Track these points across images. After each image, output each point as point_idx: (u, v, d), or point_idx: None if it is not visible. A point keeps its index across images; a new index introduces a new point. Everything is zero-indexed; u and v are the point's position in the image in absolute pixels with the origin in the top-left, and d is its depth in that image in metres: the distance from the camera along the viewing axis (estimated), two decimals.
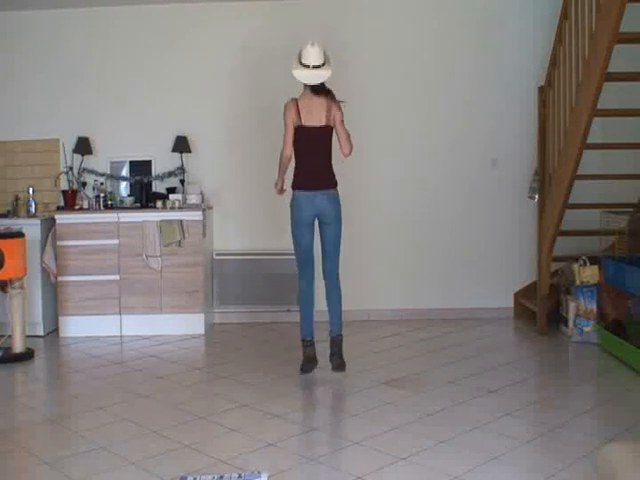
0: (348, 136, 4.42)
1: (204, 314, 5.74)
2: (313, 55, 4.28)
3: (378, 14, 6.07)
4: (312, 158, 4.38)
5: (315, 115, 4.31)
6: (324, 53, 4.33)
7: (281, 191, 4.57)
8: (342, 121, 4.37)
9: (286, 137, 4.35)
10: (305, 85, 4.38)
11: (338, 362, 4.34)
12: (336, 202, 4.40)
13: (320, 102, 4.32)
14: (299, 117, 4.31)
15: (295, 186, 4.39)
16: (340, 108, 4.36)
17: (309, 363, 4.44)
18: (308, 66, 4.29)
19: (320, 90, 4.35)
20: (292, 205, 4.42)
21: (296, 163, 4.43)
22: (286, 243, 6.07)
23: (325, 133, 4.36)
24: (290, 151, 4.37)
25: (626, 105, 5.20)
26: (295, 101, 4.35)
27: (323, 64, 4.31)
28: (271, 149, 6.08)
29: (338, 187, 4.48)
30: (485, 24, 6.05)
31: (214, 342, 5.57)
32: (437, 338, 5.48)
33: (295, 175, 4.41)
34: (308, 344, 4.46)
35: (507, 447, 3.31)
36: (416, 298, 6.14)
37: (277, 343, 5.42)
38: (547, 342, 5.34)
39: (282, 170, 4.49)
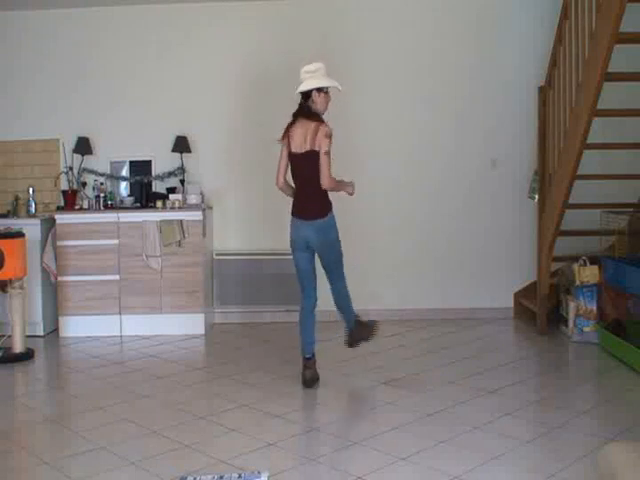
0: (328, 168, 4.15)
1: (204, 314, 5.74)
2: (310, 66, 4.22)
3: (377, 14, 6.07)
4: (301, 185, 4.28)
5: (301, 140, 4.18)
6: (322, 67, 4.24)
7: None
8: (326, 152, 4.13)
9: (279, 165, 4.31)
10: (298, 107, 4.27)
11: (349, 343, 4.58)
12: (322, 231, 4.23)
13: (307, 126, 4.16)
14: (289, 143, 4.22)
15: (291, 209, 4.37)
16: (328, 136, 4.13)
17: (304, 383, 4.29)
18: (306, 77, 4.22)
19: (305, 113, 4.21)
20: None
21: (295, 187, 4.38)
22: (286, 243, 6.08)
23: (309, 159, 4.17)
24: (281, 181, 4.32)
25: (626, 105, 5.20)
26: (287, 127, 4.25)
27: (319, 74, 4.21)
28: (271, 149, 6.11)
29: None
30: (485, 24, 6.05)
31: (214, 342, 5.57)
32: (437, 338, 5.49)
33: (293, 198, 4.39)
34: (306, 364, 4.29)
35: (507, 447, 3.31)
36: (416, 298, 6.14)
37: (277, 343, 5.42)
38: (547, 342, 5.34)
39: (289, 196, 4.41)
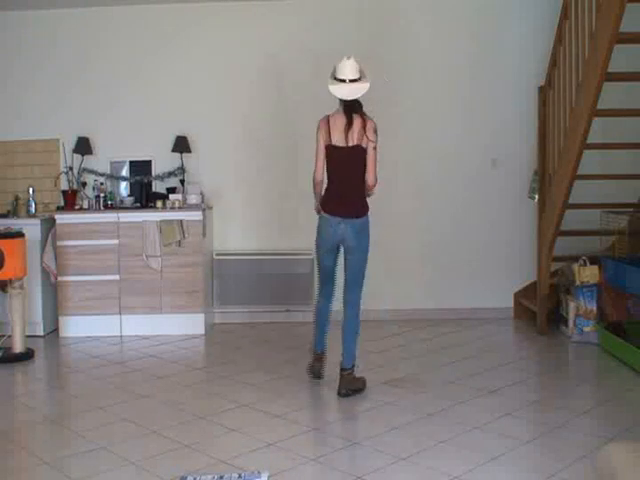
0: (375, 166, 4.06)
1: (204, 314, 5.74)
2: (348, 68, 4.00)
3: (377, 15, 6.07)
4: (341, 181, 4.09)
5: (347, 134, 4.00)
6: (359, 67, 4.06)
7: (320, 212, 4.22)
8: (375, 147, 4.02)
9: (317, 158, 4.08)
10: (340, 101, 4.06)
11: (343, 394, 4.11)
12: (360, 232, 4.07)
13: (353, 120, 4.00)
14: (329, 135, 4.02)
15: (322, 208, 4.13)
16: (376, 131, 4.02)
17: (313, 373, 4.36)
18: (344, 80, 3.99)
19: (354, 108, 4.02)
20: (318, 226, 4.17)
21: (327, 183, 4.12)
22: (286, 243, 6.10)
23: (356, 154, 4.03)
24: (321, 175, 4.07)
25: (626, 105, 5.20)
26: (327, 118, 4.06)
27: (359, 78, 4.02)
28: (271, 149, 6.11)
29: None
30: (485, 24, 6.05)
31: (214, 342, 5.57)
32: (437, 338, 5.49)
33: (323, 196, 4.14)
34: (317, 357, 4.34)
35: (507, 447, 3.31)
36: (416, 298, 6.14)
37: (277, 343, 5.42)
38: (547, 342, 5.34)
39: (317, 195, 4.18)
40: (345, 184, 4.10)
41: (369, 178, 4.09)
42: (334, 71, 4.07)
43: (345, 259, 4.17)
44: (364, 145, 4.03)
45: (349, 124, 4.01)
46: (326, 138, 4.05)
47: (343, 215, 4.06)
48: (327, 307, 4.32)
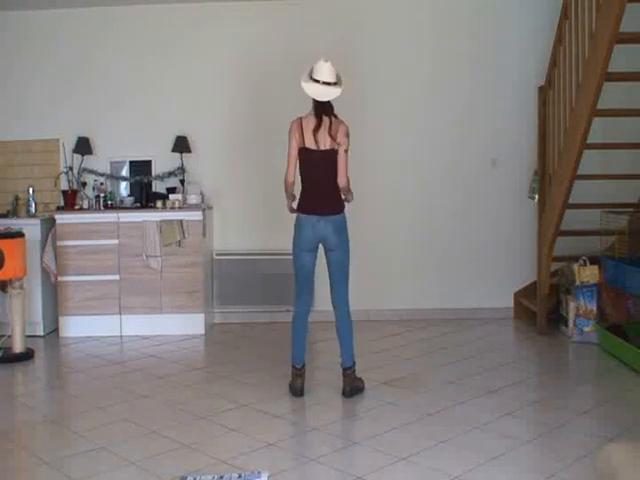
0: (346, 168, 4.11)
1: (204, 314, 5.74)
2: (325, 71, 4.00)
3: (378, 14, 6.07)
4: (316, 182, 4.11)
5: (319, 138, 4.03)
6: (336, 72, 4.08)
7: (293, 211, 4.27)
8: (346, 151, 4.08)
9: (289, 161, 4.10)
10: (312, 104, 4.08)
11: (348, 393, 4.13)
12: (340, 228, 4.12)
13: (325, 124, 4.03)
14: (302, 138, 4.05)
15: (298, 208, 4.15)
16: (347, 134, 4.07)
17: (294, 393, 4.17)
18: (318, 81, 3.99)
19: (326, 111, 4.04)
20: (295, 227, 4.16)
21: (301, 184, 4.14)
22: (286, 243, 6.08)
23: (329, 157, 4.07)
24: (292, 177, 4.10)
25: (626, 105, 5.20)
26: (299, 120, 4.08)
27: (335, 83, 4.01)
28: (271, 149, 6.11)
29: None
30: (485, 24, 6.05)
31: (214, 342, 5.57)
32: (437, 338, 5.49)
33: (300, 197, 4.15)
34: (297, 372, 4.16)
35: (507, 447, 3.31)
36: (416, 298, 6.14)
37: (277, 343, 5.41)
38: (547, 342, 5.34)
39: (289, 195, 4.20)
40: (319, 185, 4.13)
41: (341, 180, 4.11)
42: (311, 71, 4.08)
43: (328, 258, 4.19)
44: (336, 148, 4.07)
45: (318, 126, 4.04)
46: (299, 140, 4.07)
47: (320, 213, 4.09)
48: (306, 314, 4.23)
